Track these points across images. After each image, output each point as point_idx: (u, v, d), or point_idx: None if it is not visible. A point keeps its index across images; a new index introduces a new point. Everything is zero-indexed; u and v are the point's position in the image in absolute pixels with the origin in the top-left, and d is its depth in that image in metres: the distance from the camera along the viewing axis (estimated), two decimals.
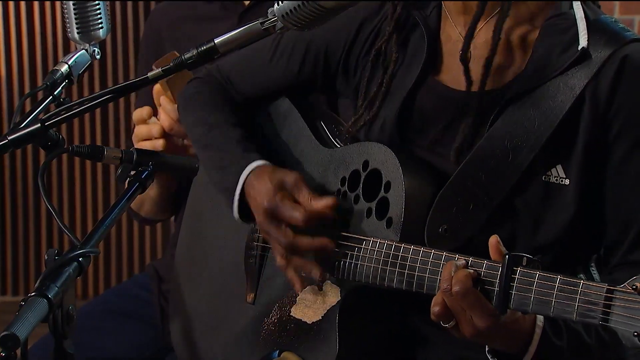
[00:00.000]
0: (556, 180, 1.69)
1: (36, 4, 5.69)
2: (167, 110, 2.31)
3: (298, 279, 1.79)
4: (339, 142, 1.95)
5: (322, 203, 1.75)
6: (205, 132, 1.98)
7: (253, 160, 1.85)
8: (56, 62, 2.07)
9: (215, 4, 2.57)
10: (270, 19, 1.63)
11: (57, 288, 1.44)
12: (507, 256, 1.54)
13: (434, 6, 1.82)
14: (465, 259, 1.60)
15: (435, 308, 1.59)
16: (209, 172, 1.97)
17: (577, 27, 1.71)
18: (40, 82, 1.87)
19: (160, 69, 1.69)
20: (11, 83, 5.76)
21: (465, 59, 1.72)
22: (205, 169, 1.97)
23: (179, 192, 2.47)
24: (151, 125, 2.34)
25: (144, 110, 2.37)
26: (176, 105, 2.27)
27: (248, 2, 2.52)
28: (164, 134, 2.32)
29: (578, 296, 1.47)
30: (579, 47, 1.69)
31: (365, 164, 1.79)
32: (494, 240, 1.57)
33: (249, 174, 1.83)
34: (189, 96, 2.05)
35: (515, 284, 1.53)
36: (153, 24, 2.71)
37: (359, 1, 1.63)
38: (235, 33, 1.66)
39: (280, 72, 1.97)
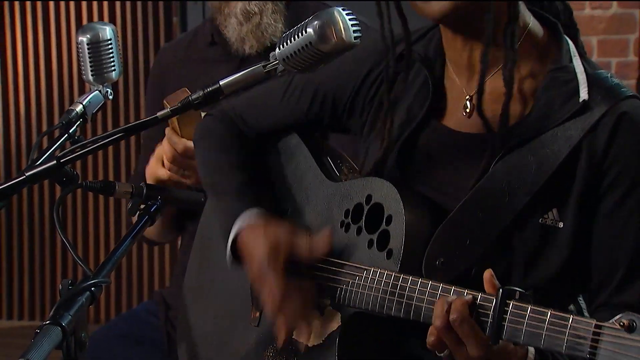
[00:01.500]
0: (551, 223, 1.68)
1: (54, 48, 5.72)
2: (172, 142, 2.30)
3: (284, 336, 1.79)
4: (343, 176, 1.95)
5: (320, 246, 1.77)
6: (211, 172, 1.99)
7: (245, 210, 1.84)
8: (72, 101, 2.07)
9: (219, 48, 2.56)
10: (272, 62, 1.62)
11: (70, 316, 1.43)
12: (500, 290, 1.52)
13: (438, 54, 1.81)
14: (460, 291, 1.58)
15: (430, 338, 1.57)
16: (212, 211, 1.98)
17: (577, 80, 1.70)
18: (57, 121, 1.87)
19: (168, 109, 1.69)
20: (30, 121, 5.78)
21: (482, 113, 1.71)
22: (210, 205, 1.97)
23: (179, 217, 2.47)
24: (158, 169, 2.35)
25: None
26: (181, 138, 2.27)
27: (247, 52, 2.50)
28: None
29: (567, 330, 1.46)
30: (580, 100, 1.68)
31: (369, 198, 1.78)
32: (487, 274, 1.56)
33: (243, 225, 1.83)
34: (202, 134, 2.05)
35: (508, 317, 1.51)
36: (160, 64, 2.70)
37: (354, 46, 1.62)
38: (239, 75, 1.65)
39: (290, 112, 1.96)
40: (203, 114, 2.13)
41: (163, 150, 2.33)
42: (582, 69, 1.72)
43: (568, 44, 1.76)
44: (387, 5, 1.78)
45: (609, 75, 1.74)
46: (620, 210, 1.68)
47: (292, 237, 1.79)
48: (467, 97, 1.77)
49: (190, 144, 2.23)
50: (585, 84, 1.69)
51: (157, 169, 2.35)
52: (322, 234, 1.79)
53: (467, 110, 1.77)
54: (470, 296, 1.56)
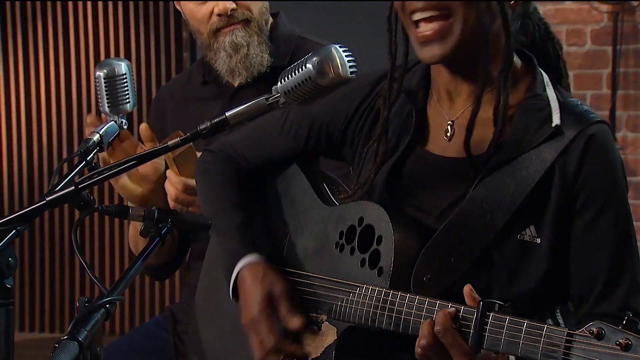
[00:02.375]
0: (529, 239, 1.68)
1: (74, 81, 5.73)
2: (173, 182, 2.29)
3: None
4: (338, 200, 1.94)
5: (294, 323, 1.81)
6: (213, 210, 1.99)
7: (246, 255, 1.88)
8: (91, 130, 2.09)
9: (211, 86, 2.56)
10: (274, 95, 1.62)
11: (86, 332, 1.42)
12: (481, 302, 1.54)
13: (421, 86, 1.82)
14: (444, 304, 1.59)
15: (418, 349, 1.58)
16: (216, 248, 2.01)
17: (550, 107, 1.71)
18: (76, 148, 1.88)
19: (178, 139, 1.68)
20: (51, 148, 5.79)
21: (468, 147, 1.72)
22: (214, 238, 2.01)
23: (181, 244, 2.48)
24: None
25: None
26: (180, 178, 2.27)
27: (237, 84, 2.51)
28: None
29: (542, 339, 1.47)
30: (553, 125, 1.69)
31: (360, 220, 1.78)
32: (467, 289, 1.58)
33: (243, 266, 1.86)
34: (203, 171, 2.05)
35: (488, 327, 1.53)
36: (159, 102, 2.70)
37: (350, 80, 1.62)
38: (243, 107, 1.64)
39: (288, 144, 1.96)
40: (198, 154, 2.14)
41: (167, 191, 2.32)
42: (555, 97, 1.73)
43: (542, 75, 1.77)
44: (394, 36, 1.79)
45: (579, 102, 1.76)
46: (594, 227, 1.69)
47: (283, 293, 1.82)
48: (449, 122, 1.78)
49: (190, 181, 2.24)
50: (558, 111, 1.70)
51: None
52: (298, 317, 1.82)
53: (449, 134, 1.78)
54: (454, 309, 1.57)
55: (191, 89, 2.60)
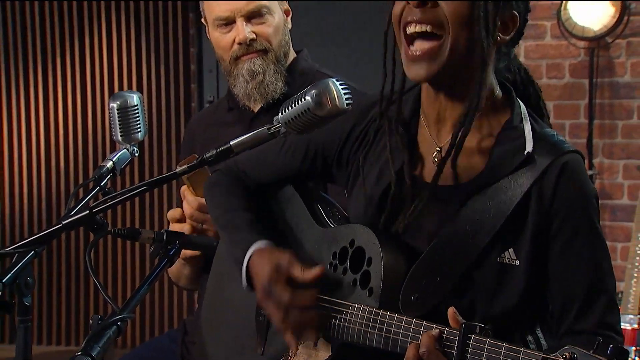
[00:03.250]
0: (508, 261, 1.67)
1: (90, 112, 5.75)
2: (188, 201, 2.33)
3: (293, 341, 1.77)
4: (332, 222, 1.93)
5: (312, 274, 1.74)
6: (222, 214, 1.98)
7: (256, 241, 1.84)
8: (104, 157, 2.10)
9: (235, 112, 2.58)
10: (276, 125, 1.62)
11: (99, 348, 1.42)
12: (463, 325, 1.53)
13: (413, 114, 1.81)
14: (430, 325, 1.58)
15: None
16: (226, 245, 1.97)
17: (524, 138, 1.71)
18: (91, 174, 1.88)
19: (186, 166, 1.69)
20: (68, 174, 5.79)
21: (455, 169, 1.71)
22: (223, 242, 1.96)
23: (205, 269, 2.45)
24: (183, 225, 2.36)
25: (177, 212, 2.39)
26: (196, 197, 2.29)
27: (257, 109, 2.52)
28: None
29: None
30: (525, 152, 1.69)
31: (352, 242, 1.77)
32: (450, 311, 1.57)
33: (253, 252, 1.83)
34: (212, 184, 2.06)
35: (469, 349, 1.52)
36: (190, 128, 2.73)
37: (346, 112, 1.62)
38: (247, 137, 1.65)
39: (286, 165, 1.96)
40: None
41: (184, 209, 2.35)
42: (530, 129, 1.72)
43: (520, 107, 1.76)
44: (393, 66, 1.78)
45: (554, 133, 1.75)
46: (570, 249, 1.68)
47: (292, 260, 1.77)
48: (437, 148, 1.77)
49: (204, 201, 2.23)
50: (531, 141, 1.70)
51: (179, 227, 2.36)
52: (317, 266, 1.77)
53: (437, 159, 1.76)
54: (437, 330, 1.56)
55: (218, 115, 2.63)
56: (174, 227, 2.37)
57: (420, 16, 1.66)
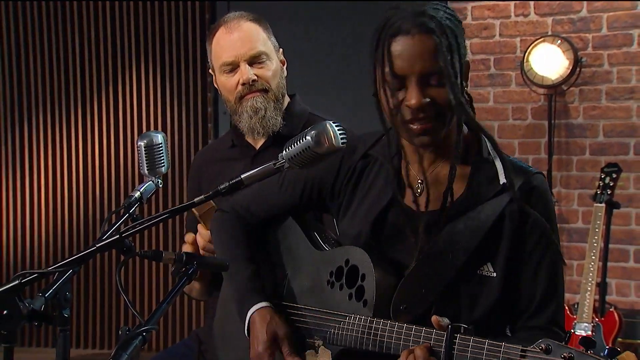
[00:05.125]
0: (487, 273, 1.67)
1: (122, 149, 5.75)
2: (201, 235, 2.31)
3: None
4: (327, 245, 1.92)
5: None
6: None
7: (256, 303, 1.85)
8: (132, 188, 2.08)
9: (237, 148, 2.55)
10: (280, 161, 1.62)
11: (126, 355, 1.39)
12: (449, 326, 1.52)
13: (396, 151, 1.80)
14: (419, 329, 1.57)
15: None
16: (230, 291, 1.97)
17: (495, 168, 1.71)
18: (121, 203, 1.88)
19: (203, 196, 1.67)
20: (103, 202, 5.79)
21: (445, 201, 1.70)
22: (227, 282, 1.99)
23: (212, 283, 2.43)
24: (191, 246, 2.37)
25: (190, 236, 2.37)
26: (207, 231, 2.27)
27: (258, 146, 2.50)
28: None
29: (501, 355, 1.44)
30: (501, 183, 1.68)
31: (347, 261, 1.76)
32: (434, 318, 1.56)
33: (253, 312, 1.84)
34: (218, 228, 2.04)
35: (456, 347, 1.51)
36: (195, 163, 2.70)
37: (342, 150, 1.61)
38: (255, 171, 1.64)
39: (286, 201, 1.94)
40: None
41: (197, 241, 2.33)
42: (499, 159, 1.72)
43: (486, 142, 1.75)
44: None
45: (516, 160, 1.76)
46: (533, 255, 1.67)
47: (286, 337, 1.79)
48: (419, 180, 1.76)
49: None
50: (502, 170, 1.69)
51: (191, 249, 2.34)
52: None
53: (419, 190, 1.75)
54: (428, 343, 1.54)
55: (221, 152, 2.59)
56: (187, 248, 2.35)
57: (421, 117, 1.63)
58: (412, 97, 1.62)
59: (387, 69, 1.63)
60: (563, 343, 1.39)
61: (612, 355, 1.34)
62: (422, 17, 1.61)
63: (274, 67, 2.44)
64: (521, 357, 1.42)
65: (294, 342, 1.81)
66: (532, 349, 1.40)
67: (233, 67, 2.42)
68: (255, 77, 2.41)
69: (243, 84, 2.41)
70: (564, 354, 1.36)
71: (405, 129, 1.67)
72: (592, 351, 1.36)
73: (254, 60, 2.41)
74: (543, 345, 1.39)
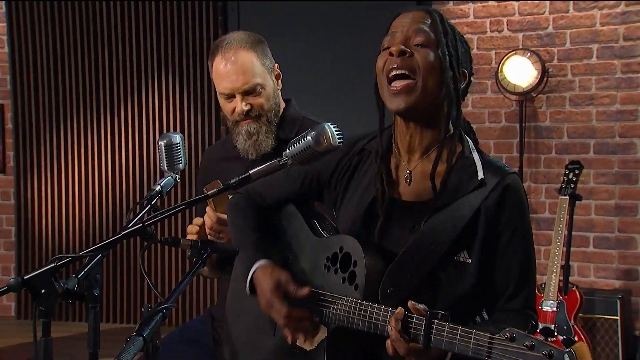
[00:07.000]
0: (463, 259, 1.65)
1: (145, 148, 5.73)
2: (209, 216, 2.28)
3: (290, 338, 1.76)
4: (325, 233, 1.90)
5: (303, 292, 1.73)
6: (237, 232, 1.94)
7: (258, 260, 1.82)
8: (154, 183, 2.08)
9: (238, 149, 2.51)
10: (284, 159, 1.61)
11: (149, 330, 1.39)
12: (428, 313, 1.50)
13: (387, 148, 1.78)
14: (403, 311, 1.55)
15: (389, 348, 1.56)
16: (238, 258, 1.95)
17: (475, 165, 1.69)
18: (144, 196, 1.87)
19: (215, 189, 1.66)
20: (129, 195, 5.77)
21: (434, 189, 1.68)
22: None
23: (218, 262, 2.41)
24: (193, 227, 2.36)
25: (199, 219, 2.36)
26: (215, 212, 2.25)
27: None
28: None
29: (472, 341, 1.43)
30: (479, 178, 1.67)
31: (341, 248, 1.74)
32: (410, 303, 1.53)
33: (256, 269, 1.81)
34: (233, 206, 2.02)
35: (433, 331, 1.49)
36: (204, 159, 2.68)
37: (339, 148, 1.60)
38: (262, 167, 1.64)
39: (289, 189, 1.93)
40: (230, 196, 2.11)
41: (205, 221, 2.31)
42: (478, 158, 1.70)
43: (468, 142, 1.74)
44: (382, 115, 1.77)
45: (495, 160, 1.74)
46: (509, 247, 1.66)
47: (288, 279, 1.75)
48: (408, 171, 1.74)
49: (222, 216, 2.23)
50: (481, 168, 1.67)
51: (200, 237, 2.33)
52: (306, 287, 1.75)
53: (408, 180, 1.73)
54: (401, 310, 1.53)
55: (226, 151, 2.56)
56: (192, 235, 2.33)
57: (399, 64, 1.65)
58: (393, 44, 1.67)
59: (386, 37, 1.69)
60: (526, 332, 1.38)
61: (568, 345, 1.33)
62: (425, 7, 1.70)
63: (267, 94, 2.39)
64: (489, 344, 1.40)
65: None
66: (499, 337, 1.39)
67: (229, 96, 2.39)
68: (249, 107, 2.37)
69: (238, 114, 2.39)
70: (527, 343, 1.36)
71: (387, 93, 1.68)
72: (551, 340, 1.34)
73: (249, 92, 2.36)
74: (508, 334, 1.38)
